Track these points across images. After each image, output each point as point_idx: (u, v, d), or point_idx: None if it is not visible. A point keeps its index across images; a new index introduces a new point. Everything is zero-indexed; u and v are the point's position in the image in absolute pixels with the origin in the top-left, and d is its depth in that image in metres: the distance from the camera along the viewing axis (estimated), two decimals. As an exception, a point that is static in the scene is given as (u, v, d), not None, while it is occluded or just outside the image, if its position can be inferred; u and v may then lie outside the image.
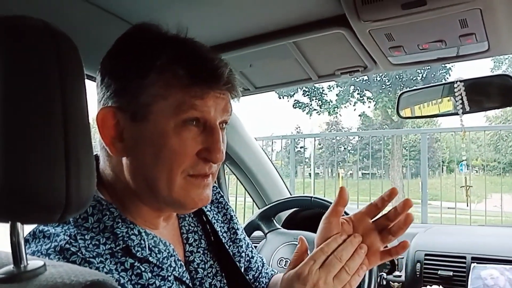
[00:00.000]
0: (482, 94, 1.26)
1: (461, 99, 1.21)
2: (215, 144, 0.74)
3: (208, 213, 0.95)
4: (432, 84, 1.39)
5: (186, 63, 0.72)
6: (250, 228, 1.49)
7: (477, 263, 1.26)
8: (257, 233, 1.57)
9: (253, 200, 1.92)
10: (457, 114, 1.24)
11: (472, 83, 1.24)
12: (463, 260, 1.31)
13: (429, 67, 12.85)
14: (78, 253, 0.67)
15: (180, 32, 0.77)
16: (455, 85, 1.21)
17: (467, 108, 1.22)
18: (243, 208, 4.86)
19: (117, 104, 0.73)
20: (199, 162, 0.74)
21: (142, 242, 0.74)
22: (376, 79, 13.83)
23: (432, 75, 12.97)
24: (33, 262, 0.49)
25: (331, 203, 1.41)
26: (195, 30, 0.77)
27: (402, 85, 13.09)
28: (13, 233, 0.48)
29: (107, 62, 0.76)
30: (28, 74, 0.46)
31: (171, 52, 0.73)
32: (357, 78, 13.77)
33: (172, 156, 0.72)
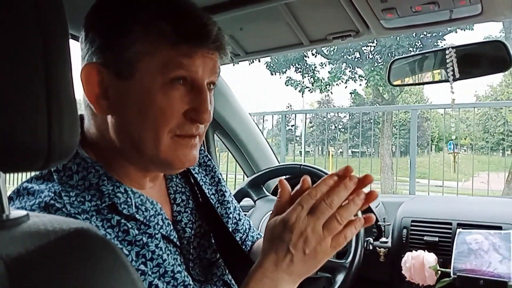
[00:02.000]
0: (474, 60, 1.25)
1: (452, 66, 1.21)
2: (203, 104, 0.72)
3: (196, 175, 0.94)
4: (424, 51, 1.38)
5: (173, 19, 0.69)
6: (240, 195, 1.50)
7: (463, 228, 1.29)
8: (247, 202, 1.58)
9: (243, 170, 1.93)
10: (447, 81, 1.23)
11: (464, 50, 1.23)
12: (449, 226, 1.33)
13: (421, 45, 12.82)
14: (63, 209, 0.67)
15: None
16: (447, 52, 1.20)
17: (458, 75, 1.21)
18: (234, 185, 4.90)
19: (102, 60, 0.71)
20: (186, 122, 0.73)
21: (129, 200, 0.74)
22: (368, 57, 13.76)
23: (424, 53, 12.93)
24: (16, 212, 0.49)
25: (320, 170, 1.44)
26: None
27: (394, 63, 13.04)
28: (-5, 182, 0.47)
29: (91, 17, 0.74)
30: (7, 24, 0.44)
31: (157, 7, 0.70)
32: (349, 56, 13.74)
33: (158, 115, 0.70)
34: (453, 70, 1.22)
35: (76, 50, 0.78)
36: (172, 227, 0.80)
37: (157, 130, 0.71)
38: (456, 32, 13.16)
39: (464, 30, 12.64)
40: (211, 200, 0.94)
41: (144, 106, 0.70)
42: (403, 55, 1.45)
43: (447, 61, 1.23)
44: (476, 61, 1.26)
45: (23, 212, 0.49)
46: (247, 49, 1.34)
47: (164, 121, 0.71)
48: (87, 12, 0.75)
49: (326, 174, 1.40)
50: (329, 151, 11.23)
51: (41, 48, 0.45)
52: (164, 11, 0.70)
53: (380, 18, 1.07)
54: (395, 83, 1.41)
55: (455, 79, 1.22)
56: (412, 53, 1.41)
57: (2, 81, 0.43)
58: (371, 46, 13.46)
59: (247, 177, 1.87)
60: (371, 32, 1.16)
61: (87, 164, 0.73)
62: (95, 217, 0.69)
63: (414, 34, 12.35)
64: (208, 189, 0.96)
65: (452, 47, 1.23)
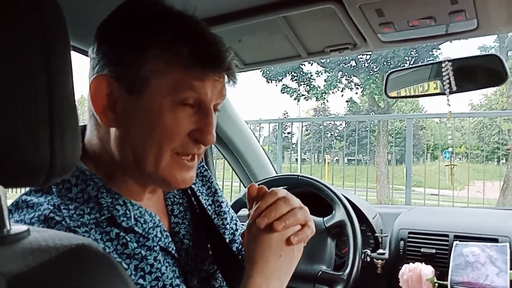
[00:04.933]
0: (470, 74, 1.27)
1: (448, 79, 1.22)
2: (208, 127, 0.74)
3: (193, 186, 0.95)
4: (420, 64, 1.39)
5: (191, 43, 0.70)
6: (237, 206, 1.49)
7: (459, 241, 1.29)
8: (244, 212, 1.58)
9: (240, 179, 1.93)
10: (444, 94, 1.24)
11: (460, 63, 1.24)
12: (446, 238, 1.34)
13: (417, 54, 12.92)
14: (63, 222, 0.67)
15: (186, 9, 0.75)
16: (443, 65, 1.22)
17: (454, 88, 1.22)
18: (230, 192, 4.89)
19: (113, 74, 0.71)
20: (189, 142, 0.74)
21: (127, 212, 0.74)
22: (364, 65, 13.85)
23: (420, 62, 13.03)
24: (16, 227, 0.49)
25: (317, 181, 1.44)
26: (182, 3, 0.75)
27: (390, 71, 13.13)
28: (-5, 197, 0.47)
29: (105, 29, 0.74)
30: (9, 36, 0.44)
31: (177, 29, 0.71)
32: (345, 64, 13.83)
33: (164, 133, 0.71)
34: (449, 83, 1.23)
35: (78, 62, 0.79)
36: (170, 239, 0.80)
37: (160, 148, 0.72)
38: (451, 42, 13.28)
39: (459, 40, 12.77)
40: (208, 211, 0.94)
41: (151, 123, 0.71)
42: (400, 68, 1.46)
43: (443, 74, 1.24)
44: (472, 74, 1.28)
45: (23, 227, 0.49)
46: (246, 60, 1.35)
47: (169, 139, 0.72)
48: (91, 26, 0.75)
49: (324, 184, 1.41)
50: (325, 159, 11.24)
51: (43, 62, 0.45)
52: (183, 34, 0.71)
53: (377, 32, 1.08)
54: (392, 95, 1.43)
55: (451, 92, 1.24)
56: (409, 66, 1.43)
57: (4, 95, 0.43)
58: (367, 55, 13.55)
59: (244, 187, 1.87)
60: (368, 45, 1.17)
61: (86, 176, 0.73)
62: (94, 230, 0.70)
63: (409, 44, 12.45)
64: (205, 200, 0.96)
65: (448, 60, 1.24)
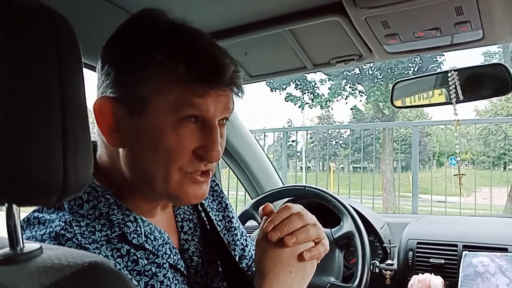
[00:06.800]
0: (476, 83, 1.27)
1: (455, 88, 1.22)
2: (212, 144, 0.72)
3: (203, 201, 0.94)
4: (426, 74, 1.40)
5: (187, 61, 0.69)
6: (244, 217, 1.49)
7: (469, 251, 1.28)
8: (251, 223, 1.58)
9: (246, 190, 1.92)
10: (450, 103, 1.25)
11: (466, 72, 1.25)
12: (455, 248, 1.33)
13: (421, 61, 12.92)
14: (74, 239, 0.66)
15: (186, 21, 0.73)
16: (449, 74, 1.22)
17: (461, 97, 1.23)
18: (235, 201, 4.88)
19: (115, 95, 0.71)
20: (195, 160, 0.72)
21: (138, 229, 0.74)
22: (368, 73, 13.84)
23: (424, 69, 13.01)
24: (29, 245, 0.49)
25: (325, 192, 1.44)
26: (189, 17, 0.75)
27: (394, 78, 13.11)
28: (9, 216, 0.48)
29: (108, 49, 0.74)
30: (25, 55, 0.45)
31: (173, 47, 0.70)
32: (349, 72, 13.83)
33: (168, 152, 0.70)
34: (456, 92, 1.23)
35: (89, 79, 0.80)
36: (179, 256, 0.80)
37: (167, 167, 0.71)
38: (455, 48, 13.23)
39: (465, 49, 12.75)
40: (218, 227, 0.93)
41: (154, 143, 0.70)
42: (406, 77, 1.47)
43: (450, 83, 1.24)
44: (478, 83, 1.28)
45: (36, 245, 0.49)
46: (252, 72, 1.36)
47: (174, 158, 0.71)
48: (101, 43, 0.75)
49: (331, 195, 1.41)
50: (330, 167, 11.20)
51: (57, 79, 0.46)
52: (180, 51, 0.69)
53: (383, 43, 1.09)
54: (398, 104, 1.43)
55: (458, 101, 1.24)
56: (415, 75, 1.43)
57: (18, 113, 0.44)
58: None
59: (251, 197, 1.87)
60: (374, 56, 1.18)
61: (98, 193, 0.73)
62: (105, 246, 0.69)
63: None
64: (215, 215, 0.96)
65: (454, 70, 1.24)
